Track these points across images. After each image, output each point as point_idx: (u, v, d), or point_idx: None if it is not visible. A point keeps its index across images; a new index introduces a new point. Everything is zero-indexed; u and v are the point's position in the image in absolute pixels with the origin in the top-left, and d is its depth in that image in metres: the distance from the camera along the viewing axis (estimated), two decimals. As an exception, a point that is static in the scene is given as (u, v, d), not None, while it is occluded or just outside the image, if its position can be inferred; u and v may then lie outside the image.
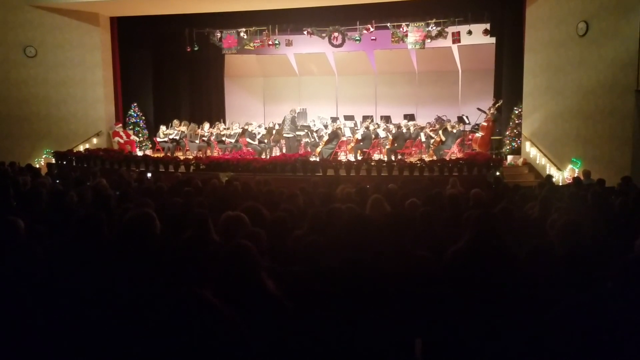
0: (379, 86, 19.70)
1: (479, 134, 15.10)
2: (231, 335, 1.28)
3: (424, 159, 13.22)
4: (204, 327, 1.22)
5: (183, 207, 5.51)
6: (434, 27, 15.47)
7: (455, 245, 3.62)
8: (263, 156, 15.13)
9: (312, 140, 15.87)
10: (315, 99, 19.78)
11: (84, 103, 16.30)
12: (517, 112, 14.44)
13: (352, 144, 15.24)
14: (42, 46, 15.92)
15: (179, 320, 1.21)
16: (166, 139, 15.97)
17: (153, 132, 17.07)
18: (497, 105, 15.09)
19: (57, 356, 2.61)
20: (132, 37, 16.94)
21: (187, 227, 4.22)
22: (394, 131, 15.51)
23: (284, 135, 15.55)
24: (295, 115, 16.09)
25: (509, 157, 14.29)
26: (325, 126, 16.64)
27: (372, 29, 15.77)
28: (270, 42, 16.81)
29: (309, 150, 15.39)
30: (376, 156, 14.88)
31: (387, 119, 17.32)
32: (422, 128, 15.94)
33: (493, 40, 15.59)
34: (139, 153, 16.12)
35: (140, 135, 17.03)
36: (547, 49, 13.29)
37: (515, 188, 8.64)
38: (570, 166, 12.51)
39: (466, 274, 3.16)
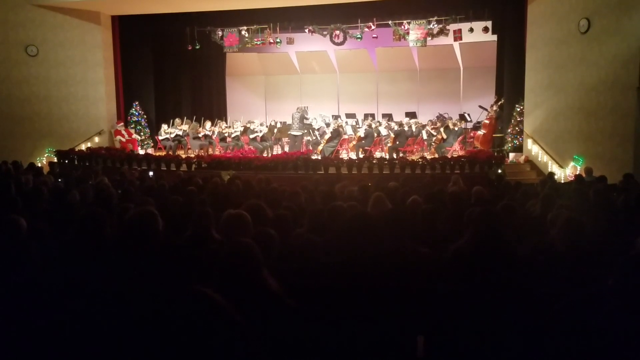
0: (381, 84, 19.68)
1: (480, 132, 15.09)
2: (235, 333, 1.28)
3: (425, 157, 13.21)
4: (207, 325, 1.22)
5: (184, 205, 5.51)
6: (436, 25, 15.43)
7: (457, 243, 3.62)
8: (265, 154, 15.13)
9: (314, 138, 15.84)
10: (317, 97, 19.72)
11: (86, 102, 16.33)
12: (518, 109, 14.43)
13: (354, 142, 15.23)
14: (44, 45, 15.94)
15: (183, 319, 1.22)
16: (168, 138, 15.98)
17: (155, 130, 17.07)
18: (499, 103, 15.08)
19: (59, 356, 2.62)
20: (133, 35, 16.94)
21: (188, 225, 4.23)
22: (395, 129, 15.48)
23: (292, 133, 15.43)
24: (303, 112, 15.75)
25: (511, 155, 14.28)
26: (327, 124, 16.61)
27: (373, 27, 15.72)
28: (271, 40, 16.76)
29: (311, 148, 15.37)
30: (378, 154, 14.87)
31: (388, 116, 17.29)
32: (423, 126, 15.90)
33: (494, 37, 15.59)
34: (141, 152, 16.14)
35: (142, 133, 17.04)
36: (549, 46, 13.27)
37: (517, 185, 8.60)
38: (572, 163, 12.50)
39: (468, 272, 3.16)
